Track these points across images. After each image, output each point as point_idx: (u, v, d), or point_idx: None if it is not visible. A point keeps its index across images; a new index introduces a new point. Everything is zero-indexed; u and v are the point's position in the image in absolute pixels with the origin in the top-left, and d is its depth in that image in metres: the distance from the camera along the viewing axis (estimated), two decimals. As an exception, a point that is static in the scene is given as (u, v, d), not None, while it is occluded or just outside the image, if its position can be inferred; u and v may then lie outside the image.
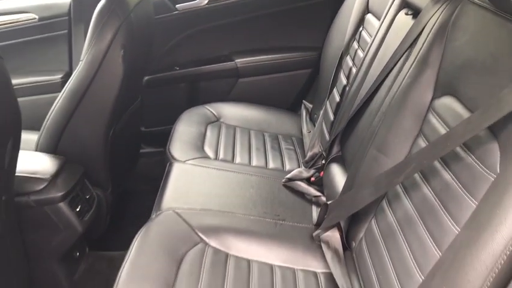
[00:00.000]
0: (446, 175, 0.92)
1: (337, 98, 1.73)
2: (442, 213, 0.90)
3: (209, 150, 1.76)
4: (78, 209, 1.47)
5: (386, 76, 1.29)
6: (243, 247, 1.29)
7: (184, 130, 1.86)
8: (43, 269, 1.50)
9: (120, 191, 1.90)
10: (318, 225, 1.37)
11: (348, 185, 1.31)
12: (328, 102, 1.82)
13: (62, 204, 1.41)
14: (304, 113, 2.13)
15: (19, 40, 2.13)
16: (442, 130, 1.00)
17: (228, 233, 1.31)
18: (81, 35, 2.06)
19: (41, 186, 1.39)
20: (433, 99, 1.08)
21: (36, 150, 1.57)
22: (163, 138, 1.84)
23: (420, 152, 0.98)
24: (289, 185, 1.59)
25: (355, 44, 1.78)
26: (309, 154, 1.76)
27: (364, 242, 1.19)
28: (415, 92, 1.12)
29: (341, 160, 1.54)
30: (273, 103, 2.20)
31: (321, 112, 1.85)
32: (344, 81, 1.73)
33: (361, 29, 1.76)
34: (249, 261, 1.25)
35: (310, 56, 2.22)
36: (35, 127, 1.65)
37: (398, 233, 1.03)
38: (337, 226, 1.31)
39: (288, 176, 1.61)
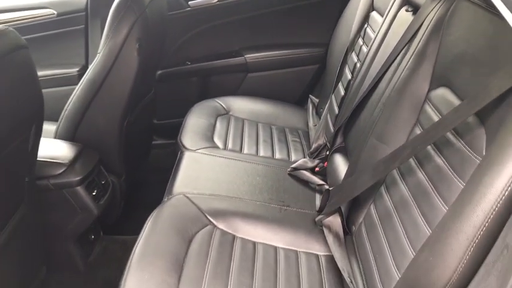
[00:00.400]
0: (439, 160, 0.99)
1: (342, 92, 1.80)
2: (434, 195, 0.97)
3: (218, 141, 1.84)
4: (94, 193, 1.55)
5: (387, 69, 1.36)
6: (249, 230, 1.36)
7: (195, 122, 1.94)
8: (60, 249, 1.59)
9: (133, 180, 1.98)
10: (320, 211, 1.44)
11: (349, 173, 1.38)
12: (333, 96, 1.89)
13: (79, 188, 1.50)
14: (310, 107, 2.20)
15: (38, 34, 2.22)
16: (437, 119, 1.06)
17: (235, 217, 1.39)
18: (98, 30, 2.15)
19: (60, 171, 1.48)
20: (429, 90, 1.15)
21: (55, 137, 1.65)
22: (175, 131, 1.92)
23: (415, 138, 1.05)
24: (294, 174, 1.67)
25: (360, 41, 1.84)
26: (314, 146, 1.83)
27: (364, 225, 1.26)
28: (413, 83, 1.18)
29: (344, 151, 1.61)
30: (280, 97, 2.27)
31: (326, 106, 1.92)
32: (349, 75, 1.80)
33: (366, 25, 1.83)
34: (254, 243, 1.32)
35: (317, 52, 2.30)
36: (52, 118, 1.74)
37: (394, 216, 1.10)
38: (339, 212, 1.38)
39: (293, 165, 1.68)
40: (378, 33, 1.58)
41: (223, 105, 2.12)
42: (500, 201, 0.71)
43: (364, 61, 1.63)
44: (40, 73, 1.21)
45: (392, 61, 1.33)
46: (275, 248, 1.32)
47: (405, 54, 1.27)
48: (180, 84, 2.36)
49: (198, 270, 1.17)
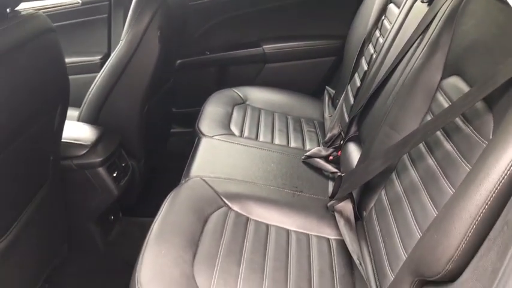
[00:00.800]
0: (448, 145, 1.02)
1: (358, 83, 1.83)
2: (442, 179, 1.00)
3: (235, 129, 1.88)
4: (114, 175, 1.61)
5: (401, 59, 1.38)
6: (262, 213, 1.40)
7: (213, 110, 1.98)
8: (81, 228, 1.65)
9: (151, 165, 2.04)
10: (332, 197, 1.48)
11: (361, 160, 1.41)
12: (349, 86, 1.92)
13: (100, 169, 1.57)
14: (326, 98, 2.23)
15: (63, 23, 2.28)
16: (448, 107, 1.09)
17: (250, 200, 1.43)
18: (120, 19, 2.21)
19: (83, 152, 1.55)
20: (441, 79, 1.17)
21: (78, 121, 1.72)
22: (193, 119, 1.97)
23: (425, 124, 1.08)
24: (308, 162, 1.71)
25: (377, 32, 1.87)
26: (328, 135, 1.86)
27: (374, 211, 1.29)
28: (425, 72, 1.21)
29: (358, 140, 1.64)
30: (297, 88, 2.31)
31: (342, 96, 1.95)
32: (365, 67, 1.82)
33: (383, 17, 1.85)
34: (267, 225, 1.37)
35: (334, 44, 2.32)
36: (74, 104, 1.80)
37: (404, 200, 1.13)
38: (350, 198, 1.41)
39: (308, 153, 1.72)
40: (393, 24, 1.61)
41: (241, 95, 2.16)
42: (503, 181, 0.74)
43: (379, 52, 1.65)
44: (64, 60, 1.29)
45: (407, 51, 1.36)
46: (287, 231, 1.36)
47: (419, 44, 1.30)
48: (199, 74, 2.42)
49: (212, 248, 1.22)
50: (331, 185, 1.61)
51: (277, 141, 1.87)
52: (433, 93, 1.19)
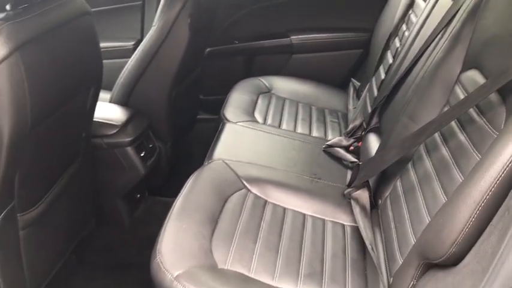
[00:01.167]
0: (461, 136, 1.05)
1: (383, 76, 1.85)
2: (454, 168, 1.03)
3: (259, 116, 1.93)
4: (142, 155, 1.69)
5: (424, 52, 1.40)
6: (280, 196, 1.45)
7: (238, 97, 2.04)
8: (108, 204, 1.74)
9: (177, 148, 2.12)
10: (350, 185, 1.51)
11: (379, 150, 1.44)
12: (373, 79, 1.94)
13: (129, 149, 1.65)
14: (351, 90, 2.25)
15: (98, 8, 2.37)
16: (465, 100, 1.11)
17: (269, 184, 1.48)
18: (153, 6, 2.28)
19: (113, 131, 1.63)
20: (460, 72, 1.20)
21: (110, 102, 1.81)
22: (219, 107, 2.02)
23: (441, 115, 1.11)
24: (328, 151, 1.74)
25: (403, 26, 1.88)
26: (350, 126, 1.89)
27: (389, 199, 1.33)
28: (445, 65, 1.23)
29: (378, 131, 1.67)
30: (323, 80, 2.34)
31: (366, 88, 1.98)
32: (390, 60, 1.84)
33: (410, 12, 1.86)
34: (284, 209, 1.42)
35: (361, 37, 2.34)
36: (106, 88, 1.89)
37: (417, 189, 1.17)
38: (367, 186, 1.45)
39: (329, 142, 1.76)
40: (419, 18, 1.62)
41: (266, 84, 2.21)
42: (507, 169, 0.77)
43: (404, 45, 1.67)
44: (98, 45, 1.37)
45: (429, 44, 1.38)
46: (304, 215, 1.41)
47: (441, 37, 1.32)
48: (227, 62, 2.47)
49: (230, 226, 1.28)
50: (349, 174, 1.65)
51: (299, 129, 1.91)
52: (452, 86, 1.22)
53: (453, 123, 1.09)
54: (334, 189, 1.54)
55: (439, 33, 1.35)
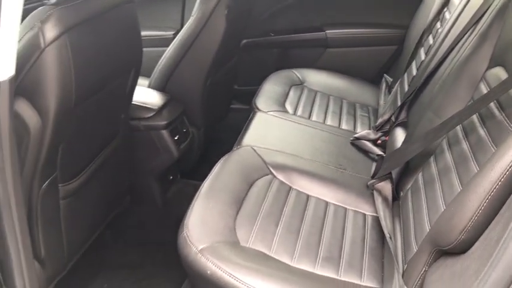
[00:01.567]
0: (481, 131, 1.07)
1: (414, 72, 1.87)
2: (472, 162, 1.06)
3: (289, 107, 1.99)
4: (176, 138, 1.78)
5: (452, 49, 1.42)
6: (305, 184, 1.51)
7: (270, 88, 2.10)
8: (142, 184, 1.84)
9: (209, 135, 2.20)
10: (373, 176, 1.55)
11: (404, 143, 1.47)
12: (406, 74, 1.96)
13: (164, 132, 1.74)
14: (384, 86, 2.27)
15: (142, -2, 2.48)
16: (488, 96, 1.13)
17: (294, 171, 1.54)
18: (193, -2, 2.37)
19: (150, 115, 1.72)
20: (486, 69, 1.22)
21: (148, 87, 1.90)
22: (252, 97, 2.07)
23: (463, 109, 1.13)
24: (356, 143, 1.78)
25: (438, 24, 1.89)
26: (379, 120, 1.92)
27: (410, 191, 1.36)
28: (472, 62, 1.25)
29: (406, 125, 1.69)
30: (356, 74, 2.36)
31: (397, 83, 2.00)
32: (423, 56, 1.85)
33: (445, 9, 1.87)
34: (308, 196, 1.47)
35: (396, 34, 2.35)
36: (145, 75, 1.98)
37: (436, 181, 1.20)
38: (390, 178, 1.48)
39: (356, 135, 1.80)
40: (452, 15, 1.64)
41: (299, 76, 2.25)
42: (516, 160, 0.80)
43: (436, 42, 1.69)
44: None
45: (458, 41, 1.39)
46: (326, 203, 1.46)
47: (470, 35, 1.33)
48: (262, 54, 2.53)
49: (254, 208, 1.34)
50: (374, 167, 1.68)
51: (329, 122, 1.95)
52: (477, 83, 1.24)
53: (475, 118, 1.12)
54: (358, 180, 1.57)
55: (468, 30, 1.37)
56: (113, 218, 1.68)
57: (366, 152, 1.76)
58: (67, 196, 1.30)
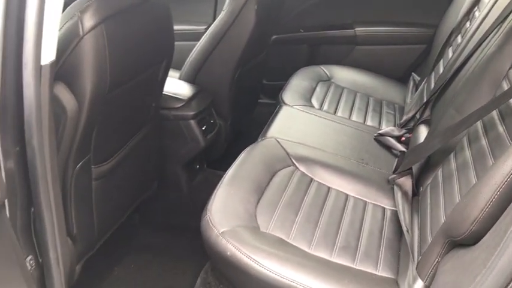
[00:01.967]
0: (500, 127, 1.09)
1: (441, 70, 1.87)
2: (489, 158, 1.08)
3: (315, 102, 2.02)
4: (203, 128, 1.84)
5: (478, 47, 1.43)
6: (326, 177, 1.54)
7: (298, 83, 2.14)
8: (170, 171, 1.91)
9: (236, 127, 2.26)
10: (395, 171, 1.57)
11: (426, 139, 1.49)
12: (433, 73, 1.97)
13: (192, 122, 1.80)
14: (411, 84, 2.27)
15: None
16: (510, 94, 1.15)
17: (316, 164, 1.58)
18: (226, -7, 2.43)
19: (179, 105, 1.79)
20: (510, 68, 1.23)
21: (179, 79, 1.97)
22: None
23: (483, 106, 1.15)
24: (379, 139, 1.80)
25: (467, 23, 1.89)
26: (404, 117, 1.93)
27: (429, 187, 1.38)
28: (496, 61, 1.27)
29: (429, 123, 1.70)
30: (384, 72, 2.38)
31: (424, 81, 2.00)
32: (450, 55, 1.86)
33: (475, 9, 1.87)
34: (328, 188, 1.51)
35: (425, 33, 2.35)
36: (176, 67, 2.05)
37: (454, 176, 1.22)
38: (410, 174, 1.50)
39: (380, 131, 1.82)
40: (480, 13, 1.64)
41: (327, 72, 2.28)
42: (528, 154, 0.82)
43: (463, 40, 1.69)
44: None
45: (484, 40, 1.40)
46: (346, 195, 1.49)
47: (496, 33, 1.34)
48: (291, 50, 2.57)
49: (275, 197, 1.39)
50: (396, 162, 1.70)
51: (354, 117, 1.98)
52: (500, 81, 1.25)
53: (495, 115, 1.14)
54: (380, 175, 1.60)
55: (494, 29, 1.37)
56: (141, 202, 1.76)
57: (389, 148, 1.78)
58: (99, 177, 1.37)
